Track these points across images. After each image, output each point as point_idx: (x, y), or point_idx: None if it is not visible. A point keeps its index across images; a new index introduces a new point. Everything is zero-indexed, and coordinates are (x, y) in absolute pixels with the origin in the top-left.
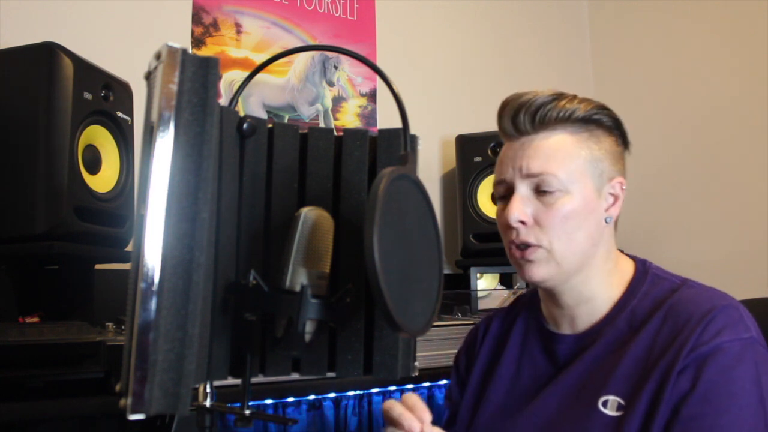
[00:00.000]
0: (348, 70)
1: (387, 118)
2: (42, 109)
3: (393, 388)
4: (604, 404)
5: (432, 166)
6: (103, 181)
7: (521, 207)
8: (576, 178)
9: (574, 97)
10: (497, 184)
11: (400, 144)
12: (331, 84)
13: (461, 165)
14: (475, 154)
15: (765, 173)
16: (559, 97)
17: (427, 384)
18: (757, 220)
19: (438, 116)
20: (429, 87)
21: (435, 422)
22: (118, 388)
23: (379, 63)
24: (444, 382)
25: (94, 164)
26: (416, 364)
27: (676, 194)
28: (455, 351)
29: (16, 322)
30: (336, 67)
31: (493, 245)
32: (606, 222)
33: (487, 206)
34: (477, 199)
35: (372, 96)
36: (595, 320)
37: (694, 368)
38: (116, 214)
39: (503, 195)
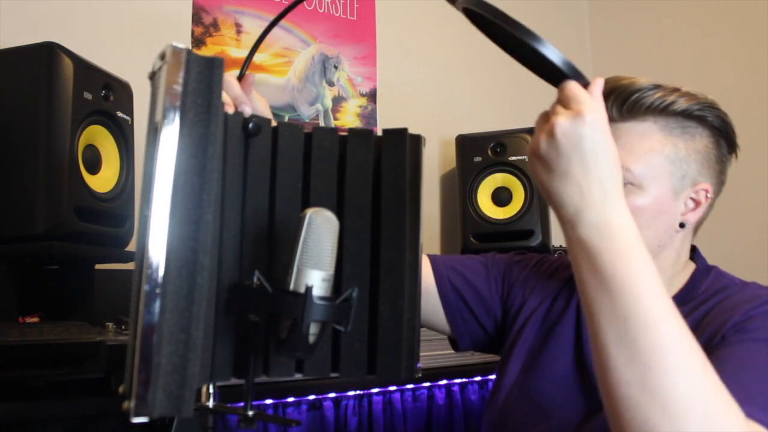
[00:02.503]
0: (348, 70)
1: (387, 118)
2: (42, 109)
3: (393, 388)
4: None
5: (432, 166)
6: (103, 181)
7: None
8: (653, 176)
9: (676, 89)
10: None
11: (405, 144)
12: (331, 84)
13: (461, 165)
14: (475, 154)
15: (765, 173)
16: (657, 87)
17: (427, 384)
18: (757, 220)
19: (438, 116)
20: (429, 87)
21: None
22: (121, 389)
23: (379, 63)
24: (444, 382)
25: (94, 164)
26: (420, 365)
27: None
28: (455, 351)
29: (16, 322)
30: (336, 67)
31: (493, 245)
32: (680, 227)
33: (487, 206)
34: (477, 199)
35: (372, 96)
36: None
37: (735, 325)
38: (116, 214)
39: None
